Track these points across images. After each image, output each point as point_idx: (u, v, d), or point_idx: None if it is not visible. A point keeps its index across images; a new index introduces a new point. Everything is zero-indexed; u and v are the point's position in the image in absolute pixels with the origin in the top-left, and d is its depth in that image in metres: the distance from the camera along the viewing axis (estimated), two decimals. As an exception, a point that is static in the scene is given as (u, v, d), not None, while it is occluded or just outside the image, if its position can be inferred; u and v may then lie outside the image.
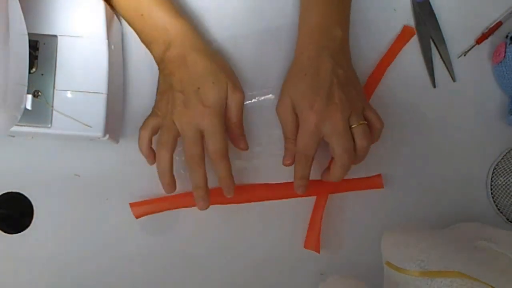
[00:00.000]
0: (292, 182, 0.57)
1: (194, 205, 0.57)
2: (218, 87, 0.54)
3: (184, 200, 0.59)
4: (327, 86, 0.53)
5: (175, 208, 0.60)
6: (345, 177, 0.56)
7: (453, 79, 0.63)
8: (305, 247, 0.60)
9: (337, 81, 0.54)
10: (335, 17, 0.56)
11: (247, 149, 0.58)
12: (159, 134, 0.55)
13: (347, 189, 0.61)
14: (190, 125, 0.53)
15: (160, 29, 0.55)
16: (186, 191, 0.59)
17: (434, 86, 0.63)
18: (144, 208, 0.59)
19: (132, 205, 0.59)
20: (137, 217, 0.59)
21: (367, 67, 0.62)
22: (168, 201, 0.59)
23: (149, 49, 0.57)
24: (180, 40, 0.55)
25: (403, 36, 0.62)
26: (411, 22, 0.63)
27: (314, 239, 0.59)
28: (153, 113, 0.57)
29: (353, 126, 0.53)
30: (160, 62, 0.56)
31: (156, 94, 0.57)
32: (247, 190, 0.60)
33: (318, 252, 0.59)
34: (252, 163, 0.61)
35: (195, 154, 0.54)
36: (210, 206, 0.56)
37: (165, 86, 0.56)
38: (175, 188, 0.56)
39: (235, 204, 0.60)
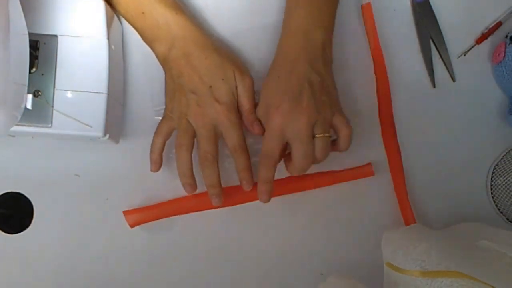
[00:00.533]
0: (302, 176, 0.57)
1: (192, 211, 0.59)
2: (228, 81, 0.55)
3: (184, 206, 0.59)
4: (297, 90, 0.52)
5: (174, 215, 0.60)
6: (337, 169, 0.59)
7: (453, 79, 0.63)
8: (406, 224, 0.60)
9: (309, 86, 0.52)
10: (317, 19, 0.55)
11: (262, 133, 0.56)
12: (177, 137, 0.56)
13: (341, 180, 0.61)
14: (206, 124, 0.54)
15: (162, 26, 0.55)
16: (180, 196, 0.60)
17: (434, 86, 0.63)
18: (138, 216, 0.59)
19: (126, 213, 0.58)
20: (132, 227, 0.58)
21: (367, 66, 0.62)
22: (167, 207, 0.59)
23: (151, 47, 0.57)
24: (183, 37, 0.54)
25: (366, 14, 0.61)
26: (411, 22, 0.63)
27: (409, 214, 0.60)
28: (166, 117, 0.57)
29: (316, 135, 0.53)
30: (164, 61, 0.56)
31: (165, 96, 0.57)
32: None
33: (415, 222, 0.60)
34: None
35: (208, 153, 0.54)
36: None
37: (174, 86, 0.55)
38: (196, 188, 0.56)
39: (233, 205, 0.60)
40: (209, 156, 0.54)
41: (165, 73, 0.57)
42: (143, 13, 0.55)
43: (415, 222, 0.59)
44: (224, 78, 0.54)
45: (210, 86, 0.54)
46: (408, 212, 0.60)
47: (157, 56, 0.57)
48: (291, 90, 0.52)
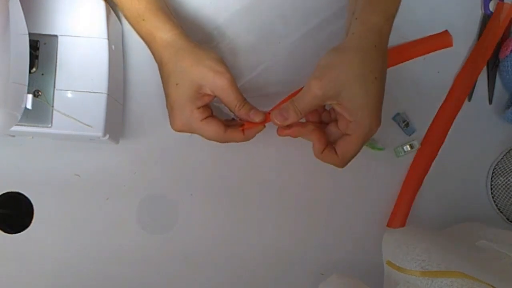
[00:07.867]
0: None
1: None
2: (181, 87, 0.50)
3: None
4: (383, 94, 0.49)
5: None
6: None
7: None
8: (388, 225, 0.61)
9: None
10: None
11: (264, 120, 0.52)
12: None
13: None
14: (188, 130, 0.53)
15: (149, 36, 0.52)
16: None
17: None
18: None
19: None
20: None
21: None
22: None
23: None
24: (163, 48, 0.51)
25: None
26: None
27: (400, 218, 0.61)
28: None
29: None
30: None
31: None
32: None
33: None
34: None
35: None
36: (209, 205, 0.59)
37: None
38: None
39: (235, 204, 0.61)
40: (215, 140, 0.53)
41: None
42: (143, 20, 0.52)
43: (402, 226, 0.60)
44: (179, 83, 0.50)
45: (169, 102, 0.51)
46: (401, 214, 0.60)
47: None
48: (382, 96, 0.49)
